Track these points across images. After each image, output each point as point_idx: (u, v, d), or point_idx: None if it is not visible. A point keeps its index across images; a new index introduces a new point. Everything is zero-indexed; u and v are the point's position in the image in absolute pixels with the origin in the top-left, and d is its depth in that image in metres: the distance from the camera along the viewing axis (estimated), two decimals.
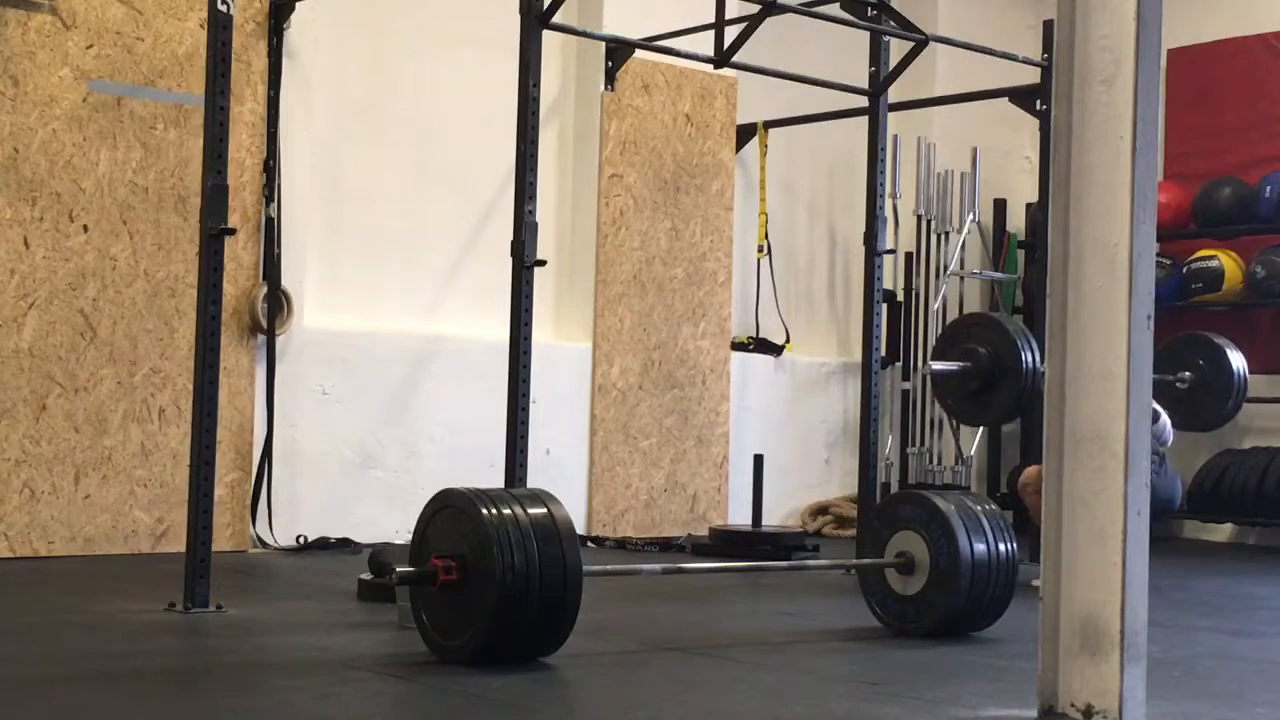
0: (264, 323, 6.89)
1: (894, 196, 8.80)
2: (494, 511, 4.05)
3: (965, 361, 7.22)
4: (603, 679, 4.17)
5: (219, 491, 6.42)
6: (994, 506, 5.00)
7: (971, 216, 9.22)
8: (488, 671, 3.96)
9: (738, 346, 8.77)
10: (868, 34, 6.78)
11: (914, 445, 9.18)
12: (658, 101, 8.27)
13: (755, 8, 6.38)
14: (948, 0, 9.77)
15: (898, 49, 6.77)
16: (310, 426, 7.13)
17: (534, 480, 5.45)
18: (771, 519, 8.23)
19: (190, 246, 6.59)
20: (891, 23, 6.70)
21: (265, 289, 6.90)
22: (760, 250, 8.97)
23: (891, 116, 6.96)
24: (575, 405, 7.99)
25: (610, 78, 8.08)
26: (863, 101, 6.85)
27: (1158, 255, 7.92)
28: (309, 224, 7.19)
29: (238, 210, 6.73)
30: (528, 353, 5.55)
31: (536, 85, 5.58)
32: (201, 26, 6.56)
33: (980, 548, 4.80)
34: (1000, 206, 9.91)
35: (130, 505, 6.55)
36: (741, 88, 8.57)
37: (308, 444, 7.11)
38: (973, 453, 9.29)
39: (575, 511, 7.21)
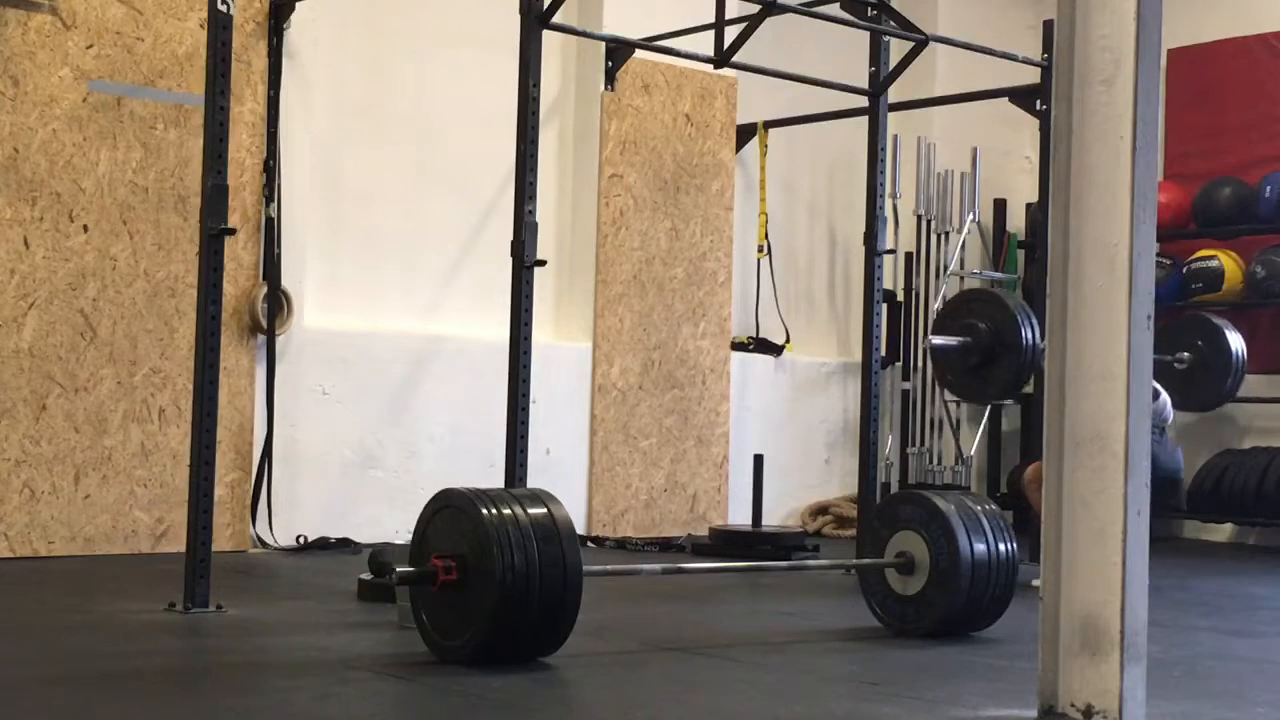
0: (264, 323, 6.89)
1: (894, 196, 8.81)
2: (494, 511, 4.05)
3: (965, 337, 7.21)
4: (603, 679, 4.17)
5: (219, 491, 6.42)
6: (994, 506, 5.00)
7: (971, 216, 9.22)
8: (488, 671, 3.96)
9: (738, 346, 8.77)
10: (868, 34, 6.78)
11: (914, 445, 9.18)
12: (658, 101, 8.27)
13: (755, 8, 6.38)
14: (948, 0, 9.77)
15: (898, 49, 6.77)
16: (310, 426, 7.13)
17: (534, 480, 5.45)
18: (771, 519, 8.23)
19: (190, 246, 6.59)
20: (891, 23, 6.70)
21: (265, 289, 6.90)
22: (760, 250, 8.97)
23: (891, 116, 6.96)
24: (575, 405, 7.99)
25: (610, 78, 8.08)
26: (863, 101, 6.85)
27: (1158, 255, 7.92)
28: (309, 224, 7.19)
29: (238, 210, 6.73)
30: (528, 353, 5.56)
31: (536, 85, 5.58)
32: (201, 26, 6.56)
33: (980, 548, 4.80)
34: (1000, 206, 9.91)
35: (130, 505, 6.55)
36: (741, 88, 8.57)
37: (308, 444, 7.11)
38: (973, 453, 9.29)
39: (575, 511, 7.21)
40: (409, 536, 4.35)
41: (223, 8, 4.97)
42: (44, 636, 4.49)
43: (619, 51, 7.99)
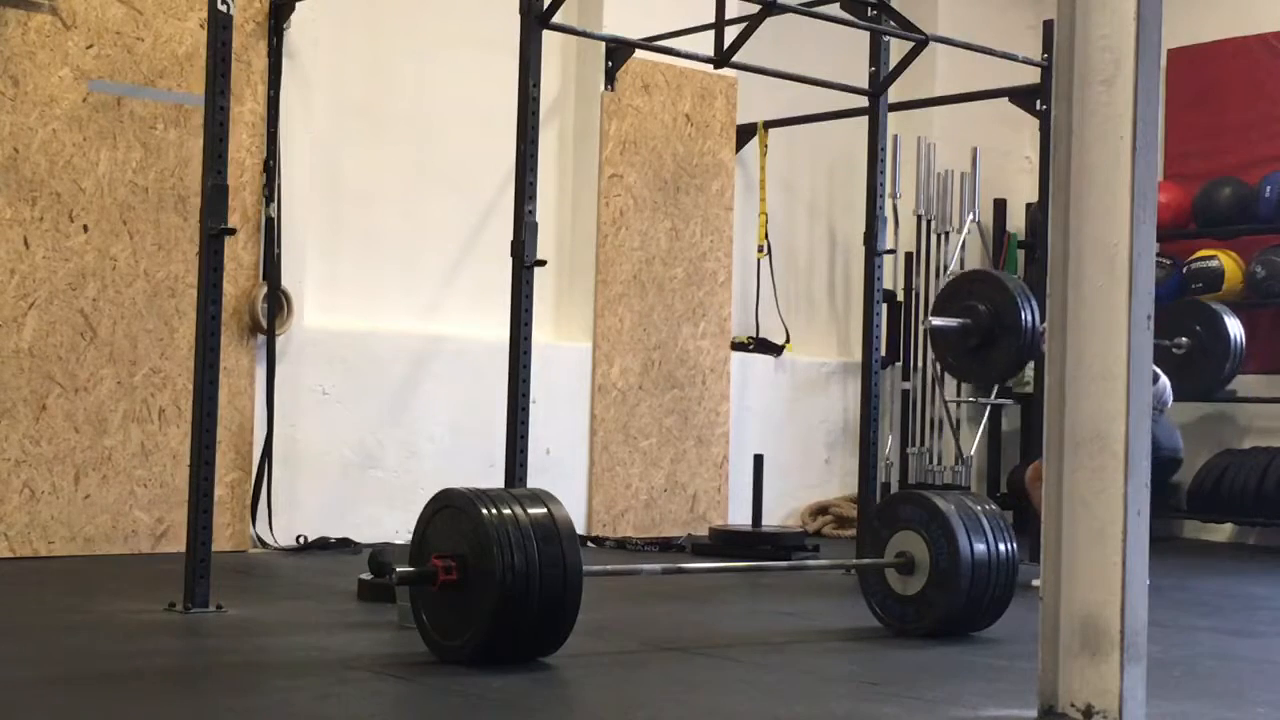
0: (264, 323, 6.89)
1: (894, 196, 8.81)
2: (494, 511, 4.05)
3: (965, 318, 7.20)
4: (603, 679, 4.17)
5: (219, 491, 6.42)
6: (994, 506, 5.00)
7: (971, 216, 9.22)
8: (488, 671, 3.96)
9: (738, 346, 8.77)
10: (868, 34, 6.78)
11: (914, 445, 9.18)
12: (658, 101, 8.27)
13: (755, 8, 6.38)
14: (948, 0, 9.77)
15: (898, 49, 6.77)
16: (310, 426, 7.13)
17: (534, 480, 5.45)
18: (771, 519, 8.23)
19: (190, 246, 6.59)
20: (891, 23, 6.70)
21: (265, 289, 6.90)
22: (760, 250, 8.97)
23: (891, 116, 6.96)
24: (575, 405, 7.99)
25: (610, 78, 8.08)
26: (863, 101, 6.85)
27: (1158, 255, 7.92)
28: (309, 224, 7.19)
29: (238, 210, 6.73)
30: (528, 353, 5.56)
31: (536, 85, 5.58)
32: (201, 26, 6.56)
33: (980, 548, 4.80)
34: (1000, 206, 9.91)
35: (130, 505, 6.55)
36: (741, 88, 8.57)
37: (308, 444, 7.12)
38: (973, 453, 9.30)
39: (575, 511, 7.20)
40: (409, 536, 4.35)
41: (223, 8, 4.97)
42: (44, 636, 4.49)
43: (619, 51, 7.99)
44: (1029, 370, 9.17)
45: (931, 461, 9.16)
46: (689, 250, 8.38)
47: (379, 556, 5.36)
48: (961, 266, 9.23)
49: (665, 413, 8.28)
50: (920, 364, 9.21)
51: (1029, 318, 7.07)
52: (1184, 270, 9.12)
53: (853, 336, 9.31)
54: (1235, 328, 8.40)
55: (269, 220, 6.93)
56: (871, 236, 6.65)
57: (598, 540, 7.73)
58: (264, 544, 6.89)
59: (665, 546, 7.61)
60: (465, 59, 7.76)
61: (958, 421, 9.38)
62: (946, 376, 9.31)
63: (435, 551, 4.11)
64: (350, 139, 7.44)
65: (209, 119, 4.99)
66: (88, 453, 6.45)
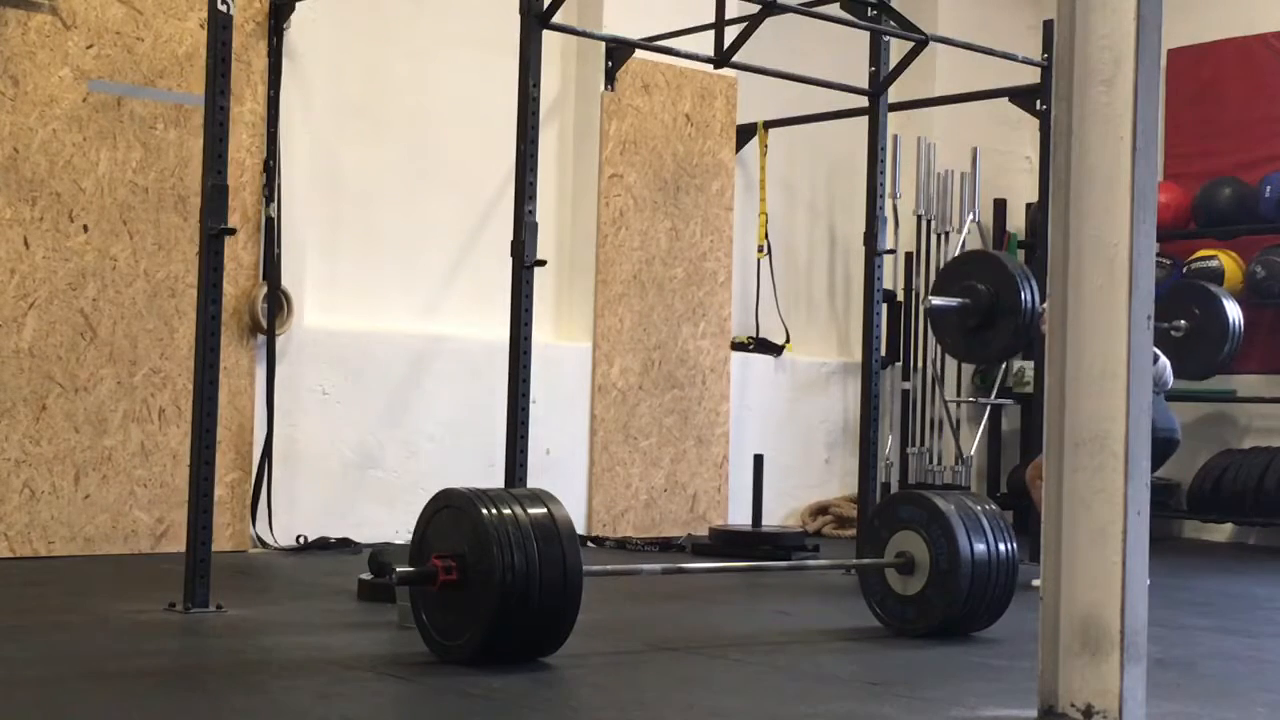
0: (264, 323, 6.89)
1: (894, 196, 8.80)
2: (494, 511, 4.05)
3: (965, 298, 7.19)
4: (603, 679, 4.17)
5: (219, 491, 6.42)
6: (994, 506, 5.00)
7: (971, 216, 9.21)
8: (488, 671, 3.96)
9: (738, 346, 8.77)
10: (868, 34, 6.78)
11: (914, 445, 9.18)
12: (658, 101, 8.27)
13: (755, 8, 6.38)
14: (948, 0, 9.77)
15: (898, 49, 6.77)
16: (310, 426, 7.13)
17: (534, 480, 5.45)
18: (771, 519, 8.23)
19: (190, 246, 6.59)
20: (891, 23, 6.70)
21: (265, 289, 6.90)
22: (760, 250, 8.97)
23: (891, 116, 6.96)
24: (575, 405, 7.99)
25: (610, 78, 8.08)
26: (863, 101, 6.85)
27: (1158, 255, 7.92)
28: (309, 224, 7.19)
29: (238, 210, 6.73)
30: (528, 353, 5.56)
31: (536, 85, 5.58)
32: (201, 26, 6.56)
33: (980, 548, 4.80)
34: (1000, 206, 9.91)
35: (130, 505, 6.55)
36: (741, 88, 8.57)
37: (308, 444, 7.12)
38: (973, 453, 9.29)
39: (575, 511, 7.20)
40: (409, 536, 4.35)
41: (223, 8, 4.97)
42: (44, 636, 4.49)
43: (619, 51, 7.99)
44: (1029, 370, 9.18)
45: (931, 461, 9.16)
46: (689, 250, 8.38)
47: (379, 556, 5.36)
48: None
49: (665, 413, 8.28)
50: (920, 364, 9.21)
51: (1028, 298, 7.07)
52: (1184, 270, 9.12)
53: (853, 336, 9.31)
54: (1234, 311, 8.38)
55: (269, 220, 6.93)
56: (871, 236, 6.65)
57: (598, 540, 7.73)
58: (264, 544, 6.89)
59: (665, 546, 7.62)
60: (465, 59, 7.76)
61: (958, 421, 9.38)
62: (946, 376, 9.31)
63: (435, 551, 4.11)
64: (350, 139, 7.44)
65: (209, 119, 4.99)
66: (88, 453, 6.46)
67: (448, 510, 4.16)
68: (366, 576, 5.37)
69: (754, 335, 8.96)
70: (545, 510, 4.13)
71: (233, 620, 4.80)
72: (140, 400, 6.59)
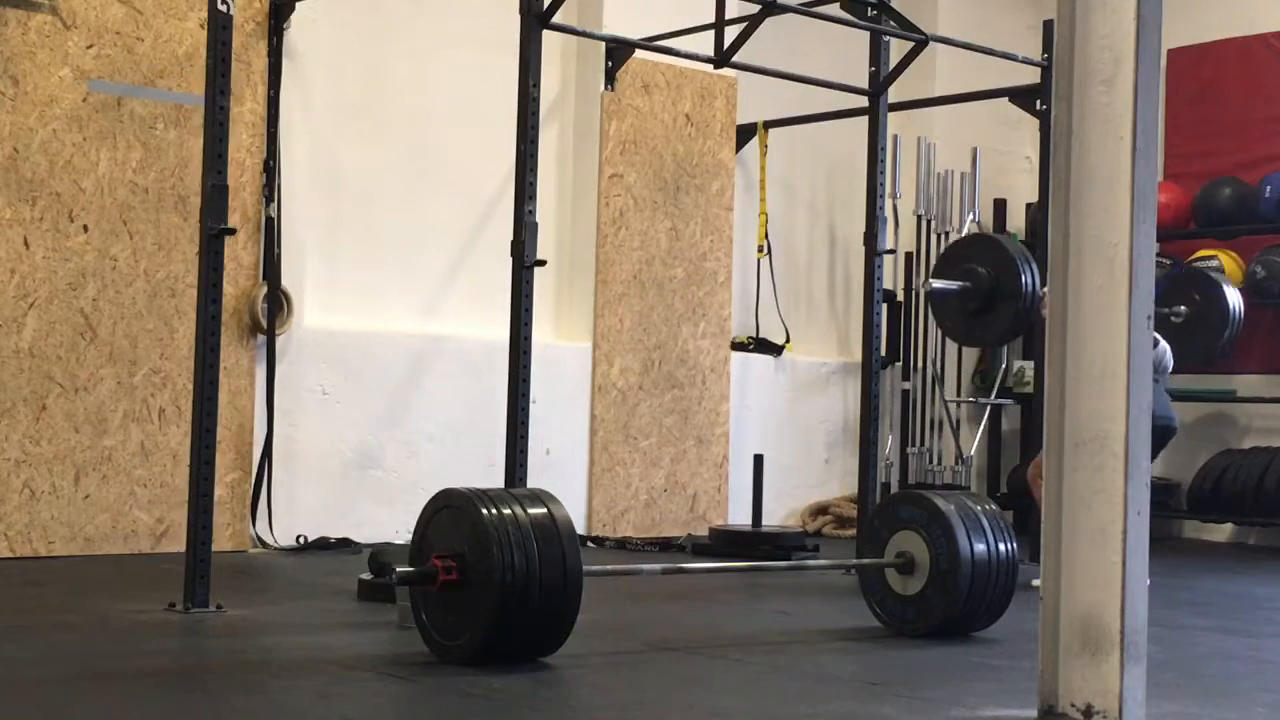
0: (264, 323, 6.89)
1: (894, 196, 8.80)
2: (494, 511, 4.05)
3: (965, 281, 7.17)
4: (603, 679, 4.17)
5: (219, 491, 6.42)
6: (994, 506, 5.00)
7: (971, 216, 9.21)
8: (488, 671, 3.96)
9: (738, 346, 8.77)
10: (868, 34, 6.78)
11: (914, 445, 9.18)
12: (658, 101, 8.27)
13: (755, 8, 6.38)
14: (948, 0, 9.77)
15: (898, 49, 6.77)
16: (310, 426, 7.13)
17: (534, 480, 5.45)
18: (771, 519, 8.23)
19: (190, 246, 6.59)
20: (891, 23, 6.70)
21: (265, 289, 6.90)
22: (760, 250, 8.97)
23: (891, 116, 6.96)
24: (575, 405, 7.99)
25: (610, 78, 8.08)
26: (863, 101, 6.85)
27: (1158, 255, 7.92)
28: (309, 224, 7.19)
29: (238, 210, 6.73)
30: (528, 353, 5.56)
31: (536, 85, 5.58)
32: (201, 26, 6.56)
33: (980, 548, 4.80)
34: (1000, 206, 9.91)
35: (130, 505, 6.55)
36: (741, 88, 8.57)
37: (308, 444, 7.12)
38: (973, 453, 9.30)
39: (575, 511, 7.20)
40: (409, 536, 4.35)
41: (223, 8, 4.97)
42: (44, 636, 4.49)
43: (619, 51, 7.99)
44: (1029, 370, 9.18)
45: (931, 461, 9.16)
46: (689, 250, 8.38)
47: (379, 556, 5.36)
48: None
49: (665, 413, 8.28)
50: (920, 364, 9.21)
51: (1029, 281, 7.06)
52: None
53: (853, 336, 9.31)
54: (1234, 297, 8.35)
55: (269, 220, 6.93)
56: (871, 236, 6.65)
57: (598, 540, 7.73)
58: (264, 544, 6.89)
59: (665, 546, 7.61)
60: (465, 59, 7.76)
61: (958, 421, 9.38)
62: (946, 376, 9.32)
63: (435, 551, 4.11)
64: (350, 139, 7.44)
65: (209, 119, 4.99)
66: (88, 453, 6.45)
67: (448, 510, 4.16)
68: (366, 576, 5.37)
69: (754, 335, 8.96)
70: (545, 510, 4.13)
71: (233, 620, 4.80)
72: (140, 400, 6.59)
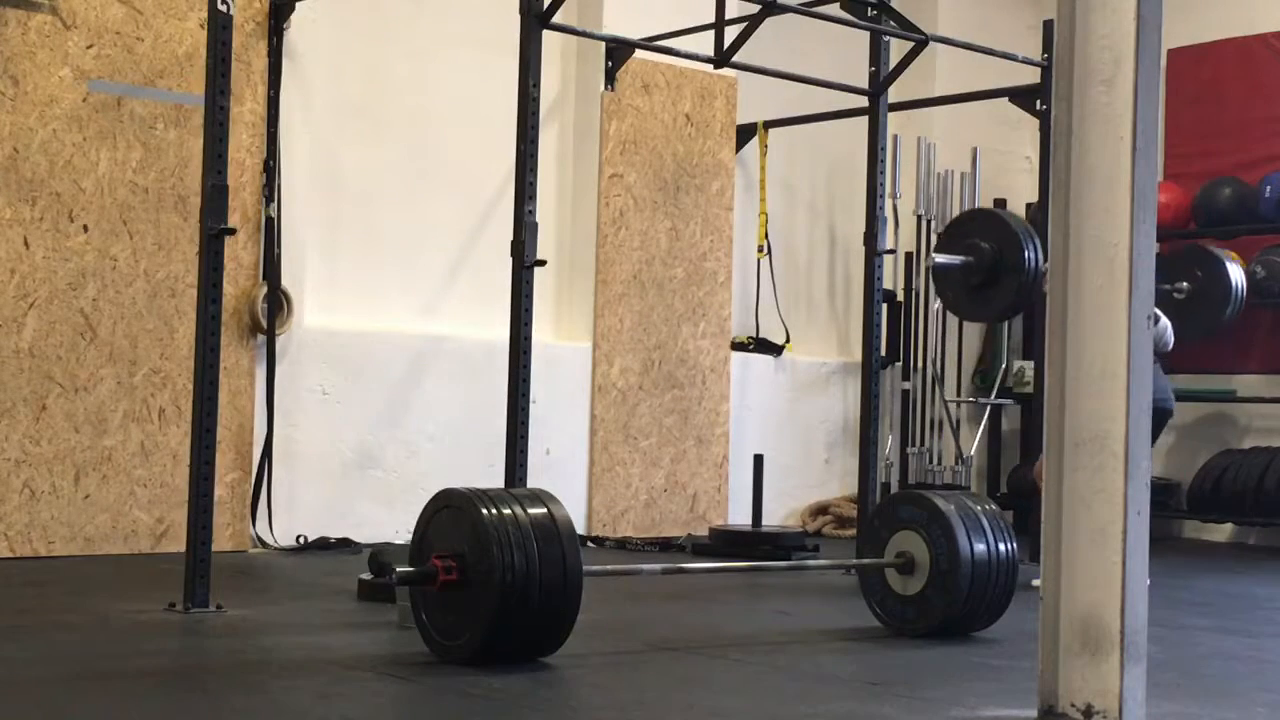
0: (264, 323, 6.90)
1: (894, 196, 8.80)
2: (494, 511, 4.05)
3: (968, 256, 7.15)
4: (603, 679, 4.17)
5: (219, 491, 6.42)
6: (994, 506, 5.00)
7: None
8: (488, 671, 3.96)
9: (738, 346, 8.77)
10: (868, 34, 6.78)
11: (914, 445, 9.18)
12: (658, 101, 8.27)
13: (755, 8, 6.38)
14: (948, 0, 9.77)
15: (898, 49, 6.77)
16: (310, 426, 7.13)
17: (534, 480, 5.45)
18: (771, 519, 8.23)
19: (190, 246, 6.59)
20: (891, 23, 6.70)
21: (265, 289, 6.90)
22: (760, 250, 8.97)
23: (891, 116, 6.96)
24: (575, 405, 7.99)
25: (610, 78, 8.08)
26: (863, 101, 6.85)
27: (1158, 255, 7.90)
28: (309, 224, 7.19)
29: (238, 210, 6.73)
30: (528, 353, 5.56)
31: (536, 85, 5.58)
32: (201, 26, 6.56)
33: (980, 548, 4.80)
34: (1000, 206, 9.90)
35: (130, 505, 6.55)
36: (741, 88, 8.57)
37: (308, 444, 7.12)
38: (973, 453, 9.30)
39: (575, 511, 7.20)
40: (409, 536, 4.35)
41: (223, 8, 4.97)
42: (44, 636, 4.49)
43: (619, 51, 7.99)
44: (1029, 370, 9.18)
45: (931, 461, 9.16)
46: (689, 250, 8.38)
47: (379, 556, 5.36)
48: None
49: (665, 413, 8.28)
50: (920, 364, 9.20)
51: (1032, 257, 7.03)
52: None
53: (853, 336, 9.31)
54: (1236, 273, 8.32)
55: (269, 220, 6.93)
56: (871, 236, 6.65)
57: (598, 540, 7.73)
58: (264, 544, 6.89)
59: (665, 546, 7.61)
60: (465, 59, 7.76)
61: (958, 421, 9.38)
62: (946, 376, 9.32)
63: (435, 551, 4.11)
64: (350, 139, 7.44)
65: (209, 119, 4.99)
66: (88, 453, 6.45)
67: (448, 510, 4.16)
68: (366, 576, 5.37)
69: (754, 335, 8.96)
70: (545, 510, 4.13)
71: (233, 620, 4.80)
72: (140, 400, 6.59)
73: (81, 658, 4.15)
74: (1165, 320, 6.58)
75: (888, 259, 7.89)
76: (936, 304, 9.09)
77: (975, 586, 4.78)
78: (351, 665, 4.06)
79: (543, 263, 5.59)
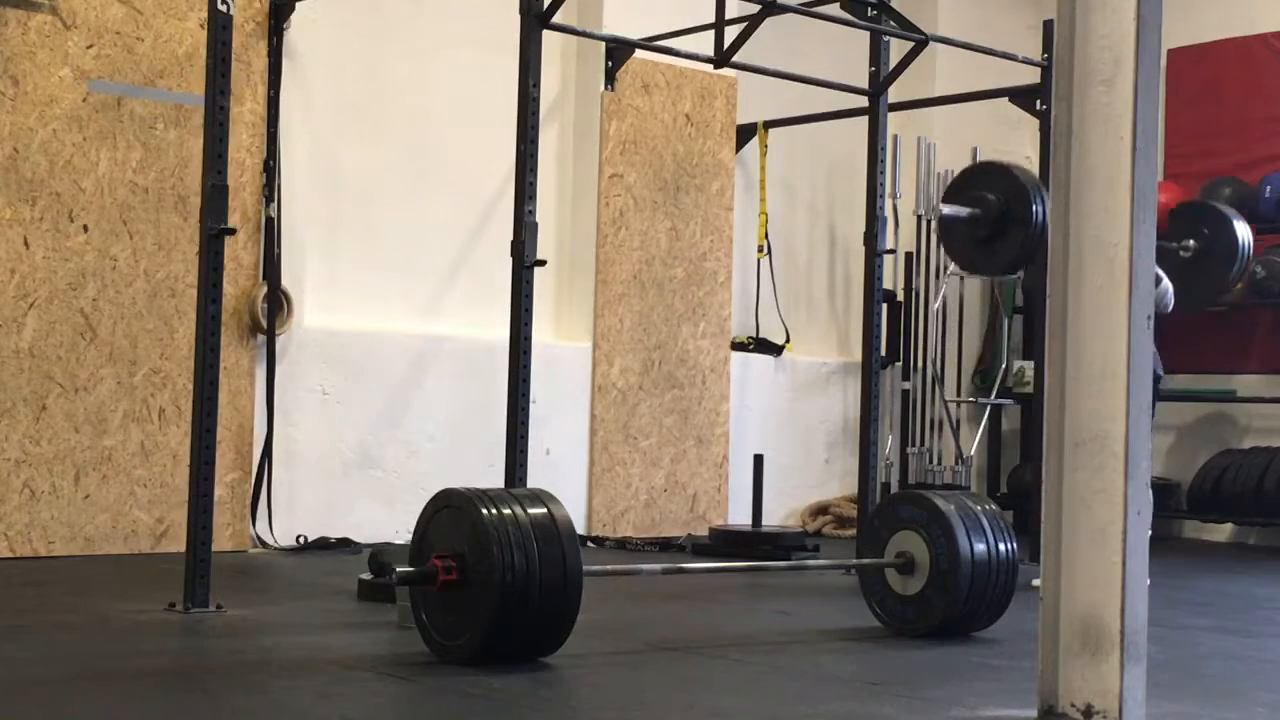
0: (264, 323, 6.90)
1: (894, 196, 8.80)
2: (494, 511, 4.05)
3: (975, 208, 7.11)
4: (603, 679, 4.17)
5: (219, 491, 6.42)
6: (994, 506, 5.00)
7: None
8: (488, 671, 3.96)
9: (738, 346, 8.77)
10: (868, 34, 6.78)
11: (914, 445, 9.18)
12: (658, 101, 8.27)
13: (755, 8, 6.38)
14: (948, 0, 9.77)
15: (898, 49, 6.77)
16: (310, 426, 7.13)
17: (534, 480, 5.45)
18: (771, 519, 8.23)
19: (190, 246, 6.59)
20: (891, 23, 6.70)
21: (265, 289, 6.90)
22: (760, 250, 8.97)
23: (891, 116, 6.96)
24: (575, 405, 7.99)
25: (610, 78, 8.08)
26: (863, 101, 6.85)
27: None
28: (309, 224, 7.19)
29: (238, 210, 6.73)
30: (528, 353, 5.56)
31: (536, 85, 5.58)
32: (201, 26, 6.56)
33: (980, 548, 4.80)
34: None
35: (130, 505, 6.55)
36: (741, 88, 8.57)
37: (308, 444, 7.12)
38: (973, 453, 9.30)
39: (575, 511, 7.21)
40: (409, 536, 4.35)
41: (223, 8, 4.97)
42: (44, 636, 4.49)
43: (619, 51, 7.99)
44: (1029, 370, 9.18)
45: (931, 461, 9.16)
46: (689, 250, 8.38)
47: (379, 556, 5.36)
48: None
49: (665, 413, 8.28)
50: (920, 364, 9.20)
51: (1039, 210, 6.98)
52: None
53: (853, 336, 9.31)
54: (1244, 231, 8.27)
55: (269, 220, 6.93)
56: (871, 236, 6.65)
57: (598, 540, 7.73)
58: (264, 544, 6.89)
59: (665, 546, 7.61)
60: (465, 59, 7.76)
61: (958, 421, 9.38)
62: (946, 376, 9.31)
63: (435, 551, 4.11)
64: (350, 139, 7.44)
65: (209, 119, 4.99)
66: (88, 453, 6.45)
67: (448, 510, 4.16)
68: (366, 576, 5.37)
69: (754, 335, 8.96)
70: (545, 510, 4.13)
71: (233, 620, 4.80)
72: (140, 400, 6.59)
73: (81, 658, 4.15)
74: (1166, 282, 6.53)
75: (888, 259, 7.88)
76: (937, 304, 9.10)
77: (975, 586, 4.78)
78: (351, 665, 4.06)
79: (543, 263, 5.59)
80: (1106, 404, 3.33)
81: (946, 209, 7.19)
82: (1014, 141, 9.90)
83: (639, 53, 7.89)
